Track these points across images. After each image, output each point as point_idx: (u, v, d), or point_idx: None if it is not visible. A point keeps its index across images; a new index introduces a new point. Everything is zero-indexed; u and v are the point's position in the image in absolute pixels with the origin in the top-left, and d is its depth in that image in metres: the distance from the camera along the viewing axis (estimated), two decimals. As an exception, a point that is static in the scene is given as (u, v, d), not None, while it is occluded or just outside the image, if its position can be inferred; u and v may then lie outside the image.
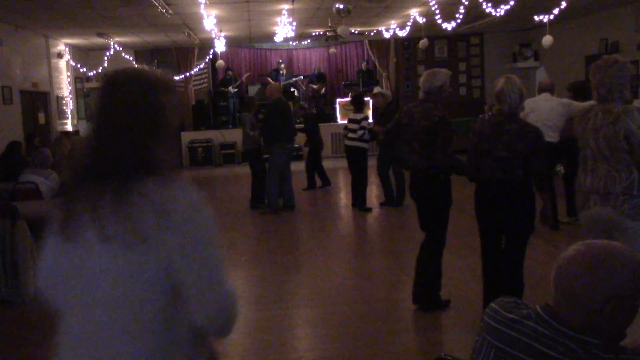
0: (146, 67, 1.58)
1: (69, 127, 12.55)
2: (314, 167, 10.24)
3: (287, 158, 8.32)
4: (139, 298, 1.36)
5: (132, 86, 1.46)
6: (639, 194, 3.23)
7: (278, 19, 10.88)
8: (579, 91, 6.73)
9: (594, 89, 3.41)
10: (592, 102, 6.37)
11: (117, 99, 1.45)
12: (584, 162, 3.47)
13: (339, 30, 10.23)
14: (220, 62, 13.71)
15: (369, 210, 8.34)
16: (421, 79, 4.35)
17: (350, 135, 8.36)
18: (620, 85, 3.29)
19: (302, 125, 10.79)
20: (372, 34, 13.73)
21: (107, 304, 1.37)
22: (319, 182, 10.35)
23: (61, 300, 1.49)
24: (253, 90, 15.54)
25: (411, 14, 10.99)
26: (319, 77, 16.00)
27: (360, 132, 8.21)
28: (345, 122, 8.88)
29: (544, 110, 6.42)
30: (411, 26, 11.94)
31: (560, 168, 8.22)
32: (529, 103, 6.74)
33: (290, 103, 13.94)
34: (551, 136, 6.36)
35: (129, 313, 1.36)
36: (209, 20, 9.73)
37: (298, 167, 10.96)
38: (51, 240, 1.46)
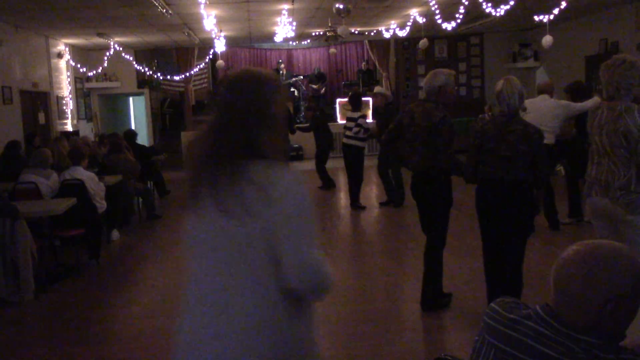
0: (259, 68, 1.89)
1: (69, 127, 12.54)
2: (322, 166, 10.21)
3: None
4: (249, 259, 1.63)
5: (248, 84, 1.76)
6: (636, 190, 3.34)
7: (278, 19, 10.87)
8: (575, 92, 6.73)
9: (603, 88, 3.54)
10: (595, 100, 6.40)
11: (236, 95, 1.74)
12: (591, 156, 3.61)
13: (339, 30, 10.22)
14: (220, 62, 13.70)
15: (363, 208, 8.36)
16: (424, 79, 4.38)
17: (347, 133, 8.39)
18: (628, 84, 3.39)
19: (304, 125, 10.77)
20: (372, 34, 13.72)
21: (225, 263, 1.66)
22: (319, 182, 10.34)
23: (192, 258, 1.75)
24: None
25: (411, 14, 10.98)
26: (319, 77, 15.99)
27: (355, 130, 8.23)
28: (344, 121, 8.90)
29: (541, 111, 6.41)
30: (411, 26, 11.93)
31: (560, 169, 8.22)
32: (526, 104, 6.73)
33: (290, 103, 13.96)
34: (546, 138, 6.36)
35: (242, 270, 1.63)
36: (209, 20, 9.73)
37: (301, 167, 10.96)
38: (185, 210, 1.77)
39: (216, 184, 1.66)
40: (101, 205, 6.43)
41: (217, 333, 1.63)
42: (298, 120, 12.70)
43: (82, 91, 13.98)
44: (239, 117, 1.71)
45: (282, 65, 15.89)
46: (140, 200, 8.78)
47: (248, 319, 1.62)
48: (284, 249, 1.61)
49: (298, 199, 1.65)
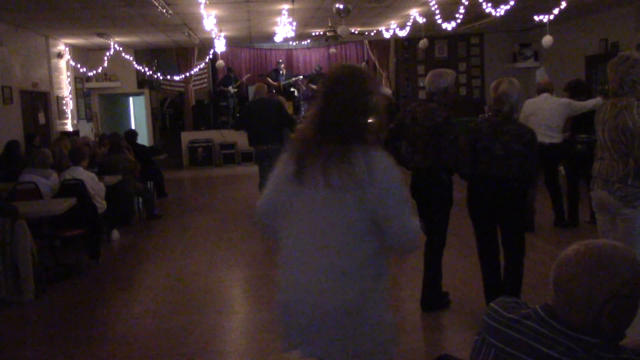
0: (357, 65, 2.30)
1: (69, 127, 12.53)
2: None
3: (272, 160, 8.20)
4: (350, 223, 2.00)
5: (352, 79, 2.08)
6: (632, 184, 3.45)
7: (278, 19, 10.87)
8: (574, 90, 6.75)
9: (609, 84, 3.63)
10: (597, 100, 6.42)
11: (340, 87, 2.07)
12: (596, 151, 3.76)
13: (339, 30, 10.21)
14: (220, 62, 13.70)
15: None
16: (427, 79, 4.35)
17: None
18: (631, 81, 3.46)
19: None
20: (372, 34, 13.72)
21: (328, 227, 2.02)
22: None
23: (286, 223, 2.12)
24: (253, 90, 15.51)
25: (411, 14, 10.98)
26: (321, 76, 15.96)
27: None
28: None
29: (545, 111, 6.44)
30: (411, 26, 11.92)
31: (560, 168, 8.21)
32: (529, 104, 6.75)
33: (290, 103, 13.94)
34: (553, 136, 6.40)
35: (343, 233, 2.01)
36: (209, 20, 9.72)
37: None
38: (284, 183, 2.11)
39: (326, 163, 2.00)
40: (101, 205, 6.43)
41: (315, 284, 2.01)
42: (299, 121, 12.64)
43: (82, 91, 13.97)
44: (345, 107, 2.04)
45: (282, 65, 15.87)
46: (140, 200, 8.78)
47: (343, 270, 2.00)
48: (388, 217, 2.01)
49: (395, 177, 2.02)
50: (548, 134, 6.36)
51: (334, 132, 2.03)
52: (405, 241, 2.07)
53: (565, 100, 6.55)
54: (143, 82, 15.31)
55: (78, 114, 13.47)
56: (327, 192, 2.00)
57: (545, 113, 6.40)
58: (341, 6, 9.21)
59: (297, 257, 2.08)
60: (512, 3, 8.70)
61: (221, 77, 15.72)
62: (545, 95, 6.61)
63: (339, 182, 1.97)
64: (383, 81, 15.57)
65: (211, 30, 10.54)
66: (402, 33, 12.58)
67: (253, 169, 9.55)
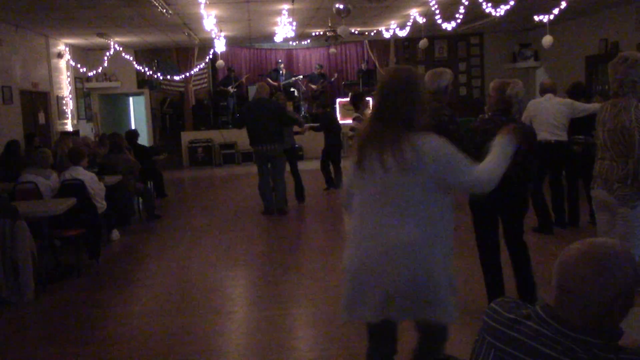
0: (405, 66, 2.82)
1: (69, 127, 12.54)
2: (325, 166, 10.11)
3: (269, 160, 8.18)
4: (406, 200, 2.40)
5: (403, 79, 2.49)
6: (632, 184, 3.50)
7: (278, 19, 10.88)
8: (573, 92, 6.78)
9: (610, 85, 3.66)
10: (598, 106, 6.44)
11: (394, 85, 2.48)
12: (597, 151, 3.81)
13: (339, 30, 10.21)
14: (220, 62, 13.70)
15: None
16: (426, 79, 4.34)
17: (349, 133, 8.46)
18: (630, 81, 3.49)
19: (315, 125, 10.75)
20: (372, 34, 13.72)
21: (387, 205, 2.42)
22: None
23: (355, 204, 2.54)
24: (253, 90, 15.50)
25: (411, 14, 10.99)
26: (321, 75, 15.94)
27: (350, 133, 8.26)
28: (346, 122, 8.91)
29: (550, 110, 6.47)
30: (411, 26, 11.93)
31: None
32: (533, 105, 6.78)
33: (290, 103, 13.93)
34: (559, 135, 6.43)
35: (400, 208, 2.40)
36: (209, 20, 9.73)
37: (302, 167, 10.95)
38: (352, 171, 2.56)
39: (381, 151, 2.40)
40: (101, 205, 6.42)
41: (383, 256, 2.37)
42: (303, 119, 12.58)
43: (82, 91, 13.98)
44: (397, 104, 2.43)
45: (282, 65, 15.86)
46: (140, 200, 8.78)
47: (407, 241, 2.35)
48: (454, 180, 2.40)
49: (445, 147, 2.41)
50: (554, 132, 6.42)
51: (387, 125, 2.42)
52: (473, 189, 2.60)
53: (568, 100, 6.59)
54: (143, 82, 15.31)
55: (78, 114, 13.48)
56: (384, 175, 2.40)
57: (550, 112, 6.44)
58: (341, 6, 9.21)
59: (361, 234, 2.47)
60: (512, 3, 8.70)
61: (221, 77, 15.70)
62: (549, 95, 6.64)
63: (393, 166, 2.37)
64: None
65: (211, 30, 10.55)
66: (402, 33, 12.59)
67: (253, 169, 9.54)
